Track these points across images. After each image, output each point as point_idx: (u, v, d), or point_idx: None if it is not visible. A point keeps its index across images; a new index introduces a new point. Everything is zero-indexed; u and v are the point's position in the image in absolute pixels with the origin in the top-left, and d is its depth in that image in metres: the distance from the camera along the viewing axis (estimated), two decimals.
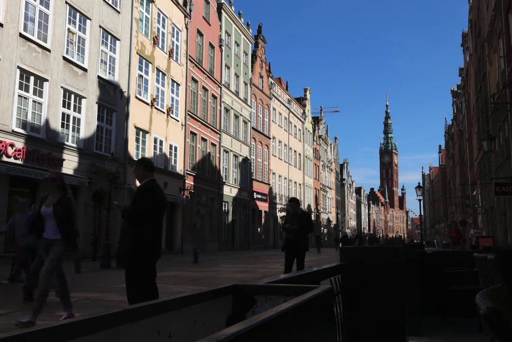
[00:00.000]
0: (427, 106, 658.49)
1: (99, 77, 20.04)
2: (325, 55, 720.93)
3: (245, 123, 37.86)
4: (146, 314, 1.33)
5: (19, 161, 15.70)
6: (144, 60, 23.68)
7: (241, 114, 36.84)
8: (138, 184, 4.85)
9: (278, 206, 44.82)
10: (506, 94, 17.91)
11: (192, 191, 27.98)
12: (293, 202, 8.60)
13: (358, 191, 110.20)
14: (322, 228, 60.79)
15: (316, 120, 62.79)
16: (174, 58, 26.68)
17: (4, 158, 15.14)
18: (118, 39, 21.58)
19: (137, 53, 22.98)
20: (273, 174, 44.37)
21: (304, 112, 55.92)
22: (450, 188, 61.30)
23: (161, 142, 25.03)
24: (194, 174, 28.49)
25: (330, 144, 73.04)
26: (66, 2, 18.33)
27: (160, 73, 25.15)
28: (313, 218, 57.54)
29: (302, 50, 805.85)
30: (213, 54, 32.63)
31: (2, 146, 15.05)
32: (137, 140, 23.01)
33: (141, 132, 23.24)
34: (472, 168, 35.69)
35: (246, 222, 36.79)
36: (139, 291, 4.34)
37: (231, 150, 34.56)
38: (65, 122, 18.23)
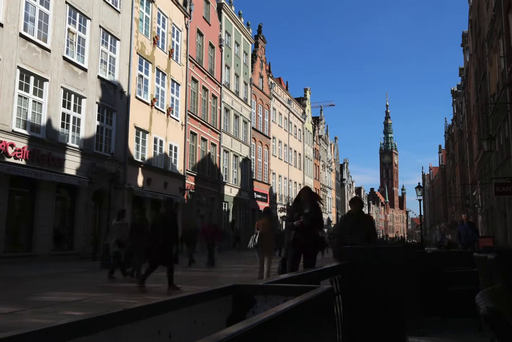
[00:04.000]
0: (427, 106, 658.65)
1: (99, 77, 20.04)
2: (325, 55, 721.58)
3: (245, 123, 37.85)
4: (146, 314, 1.33)
5: (19, 161, 15.69)
6: (144, 60, 23.68)
7: (241, 114, 36.83)
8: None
9: (279, 206, 44.81)
10: (506, 94, 17.91)
11: (193, 191, 27.98)
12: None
13: (358, 191, 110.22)
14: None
15: (316, 120, 62.78)
16: (174, 58, 26.68)
17: (4, 159, 15.14)
18: (118, 39, 21.57)
19: (137, 53, 22.97)
20: (273, 174, 44.36)
21: (304, 112, 55.92)
22: (450, 188, 61.28)
23: (161, 142, 25.03)
24: (194, 174, 28.48)
25: (330, 144, 73.03)
26: (66, 2, 18.33)
27: (160, 73, 25.15)
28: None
29: (302, 50, 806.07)
30: (213, 54, 32.63)
31: (2, 146, 15.03)
32: (137, 140, 23.01)
33: (141, 132, 23.24)
34: (472, 168, 35.68)
35: (246, 222, 36.78)
36: None
37: (231, 150, 34.56)
38: (65, 122, 18.23)
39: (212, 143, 31.52)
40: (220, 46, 33.42)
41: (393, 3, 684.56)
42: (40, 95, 16.99)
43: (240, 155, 36.34)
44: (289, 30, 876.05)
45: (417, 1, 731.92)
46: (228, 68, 35.06)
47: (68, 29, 18.55)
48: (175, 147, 26.51)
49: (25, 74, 16.34)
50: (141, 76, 23.39)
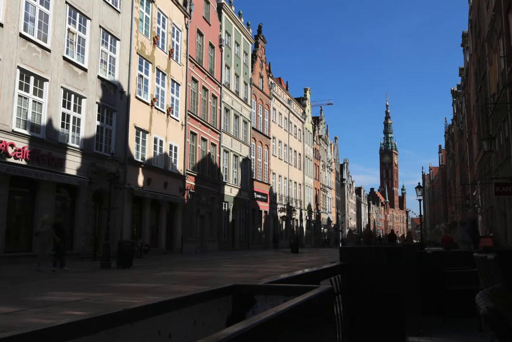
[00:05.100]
0: (427, 106, 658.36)
1: (99, 77, 20.04)
2: (326, 55, 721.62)
3: (245, 123, 37.85)
4: (146, 314, 1.33)
5: (19, 161, 15.69)
6: (144, 60, 23.68)
7: (241, 114, 36.83)
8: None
9: (279, 206, 44.82)
10: (506, 94, 17.91)
11: (193, 191, 27.98)
12: None
13: (358, 191, 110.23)
14: (322, 228, 60.75)
15: (316, 120, 62.78)
16: (174, 58, 26.68)
17: (5, 159, 15.13)
18: (118, 39, 21.58)
19: (137, 53, 22.98)
20: (273, 174, 44.36)
21: (304, 112, 55.91)
22: (450, 188, 61.29)
23: (161, 142, 25.03)
24: (194, 174, 28.49)
25: (330, 144, 73.03)
26: (66, 2, 18.33)
27: (160, 73, 25.15)
28: None
29: (302, 50, 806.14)
30: (213, 54, 32.63)
31: (2, 146, 15.04)
32: (137, 140, 23.01)
33: (141, 132, 23.24)
34: (472, 168, 35.68)
35: (246, 222, 36.79)
36: None
37: (231, 150, 34.56)
38: (65, 122, 18.23)
39: (212, 143, 31.51)
40: (220, 46, 33.42)
41: (394, 4, 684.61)
42: (40, 95, 16.99)
43: (240, 155, 36.34)
44: (289, 30, 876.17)
45: (417, 2, 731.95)
46: (228, 68, 35.06)
47: (68, 29, 18.55)
48: (175, 147, 26.51)
49: (25, 74, 16.34)
50: (141, 76, 23.39)
